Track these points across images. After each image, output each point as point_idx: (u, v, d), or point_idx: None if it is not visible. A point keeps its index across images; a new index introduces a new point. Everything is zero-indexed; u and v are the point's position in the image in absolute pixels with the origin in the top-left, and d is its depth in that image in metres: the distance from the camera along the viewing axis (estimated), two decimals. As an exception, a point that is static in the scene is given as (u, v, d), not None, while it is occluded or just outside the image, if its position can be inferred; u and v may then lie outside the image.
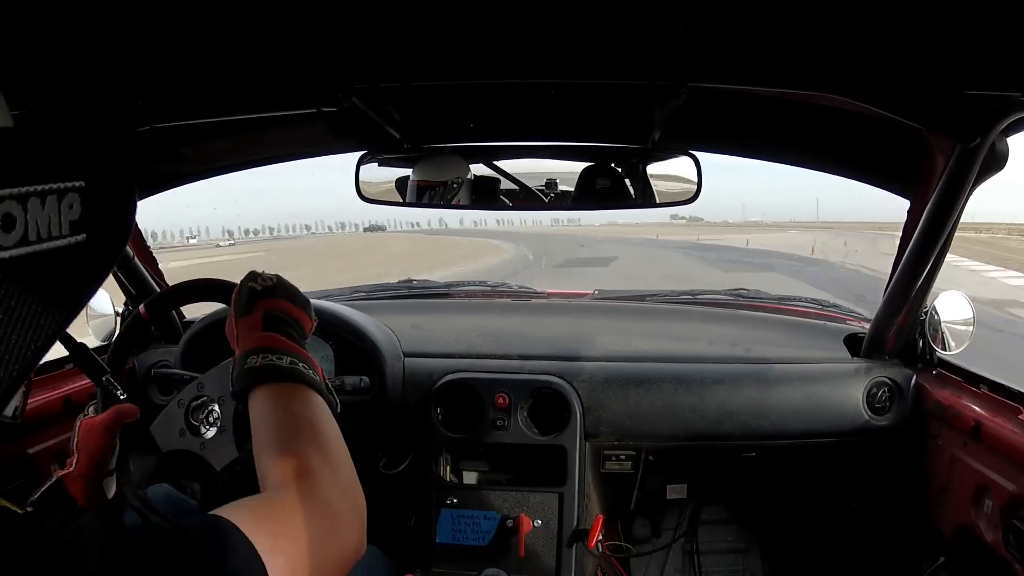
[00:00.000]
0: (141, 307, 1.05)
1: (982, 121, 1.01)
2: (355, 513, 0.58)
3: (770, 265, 16.23)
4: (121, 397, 0.97)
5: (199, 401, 0.97)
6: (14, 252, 0.38)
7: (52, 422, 1.27)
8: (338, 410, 0.71)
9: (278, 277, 0.79)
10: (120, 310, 1.52)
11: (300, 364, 0.68)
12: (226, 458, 0.94)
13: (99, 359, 0.95)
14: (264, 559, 0.46)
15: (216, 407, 0.96)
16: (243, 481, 0.93)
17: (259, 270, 0.80)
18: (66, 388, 1.31)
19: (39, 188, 0.39)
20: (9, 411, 0.91)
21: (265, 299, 0.74)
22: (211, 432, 0.96)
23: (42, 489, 0.87)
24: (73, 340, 0.92)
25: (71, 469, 0.89)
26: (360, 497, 0.60)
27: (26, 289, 0.40)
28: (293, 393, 0.66)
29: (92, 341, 1.50)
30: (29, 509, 0.83)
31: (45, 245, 0.40)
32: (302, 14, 0.78)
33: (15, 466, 1.19)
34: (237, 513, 0.49)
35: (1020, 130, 1.06)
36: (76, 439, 0.91)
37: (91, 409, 0.97)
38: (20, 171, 0.39)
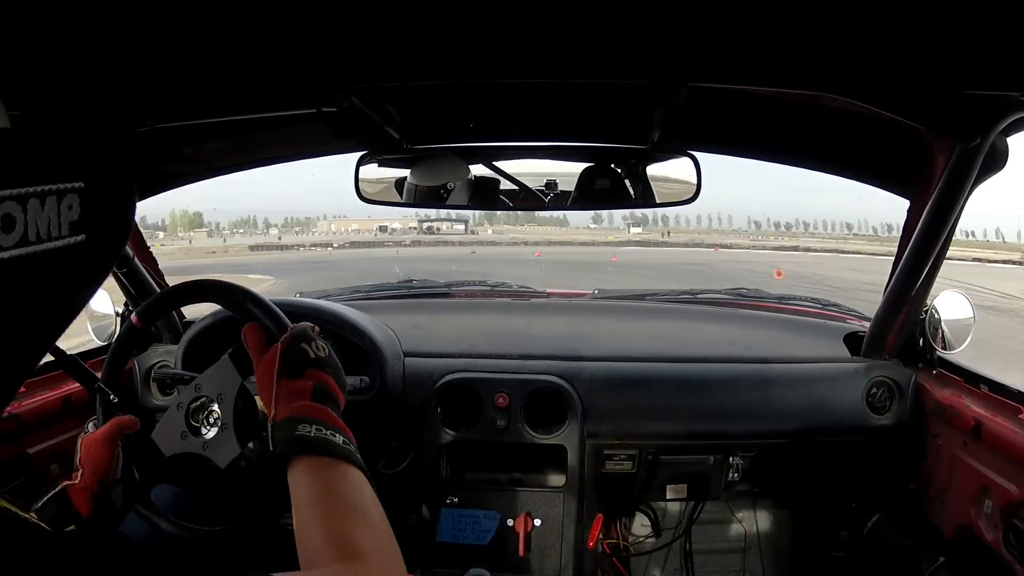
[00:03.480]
0: (133, 316, 1.04)
1: (982, 121, 1.01)
2: None
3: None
4: (114, 400, 0.97)
5: (198, 402, 0.97)
6: (13, 252, 0.38)
7: (52, 422, 1.27)
8: (373, 486, 0.72)
9: (329, 348, 0.79)
10: (120, 310, 1.52)
11: (351, 445, 0.69)
12: (229, 455, 0.94)
13: (87, 367, 0.95)
14: None
15: (215, 406, 0.96)
16: (247, 478, 0.94)
17: (312, 328, 0.80)
18: (66, 388, 1.31)
19: (39, 189, 0.39)
20: None
21: (315, 369, 0.74)
22: (212, 432, 0.96)
23: (46, 497, 0.88)
24: (62, 351, 0.92)
25: (76, 482, 0.89)
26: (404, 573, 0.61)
27: (25, 290, 0.40)
28: (344, 472, 0.67)
29: (93, 342, 1.50)
30: (32, 515, 0.83)
31: (44, 246, 0.40)
32: (302, 14, 0.79)
33: (15, 466, 1.19)
34: None
35: (1020, 130, 1.06)
36: (79, 454, 0.92)
37: (91, 425, 0.98)
38: (20, 172, 0.39)
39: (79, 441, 0.94)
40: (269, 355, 0.76)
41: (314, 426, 0.68)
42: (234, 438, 0.94)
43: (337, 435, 0.68)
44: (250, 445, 0.97)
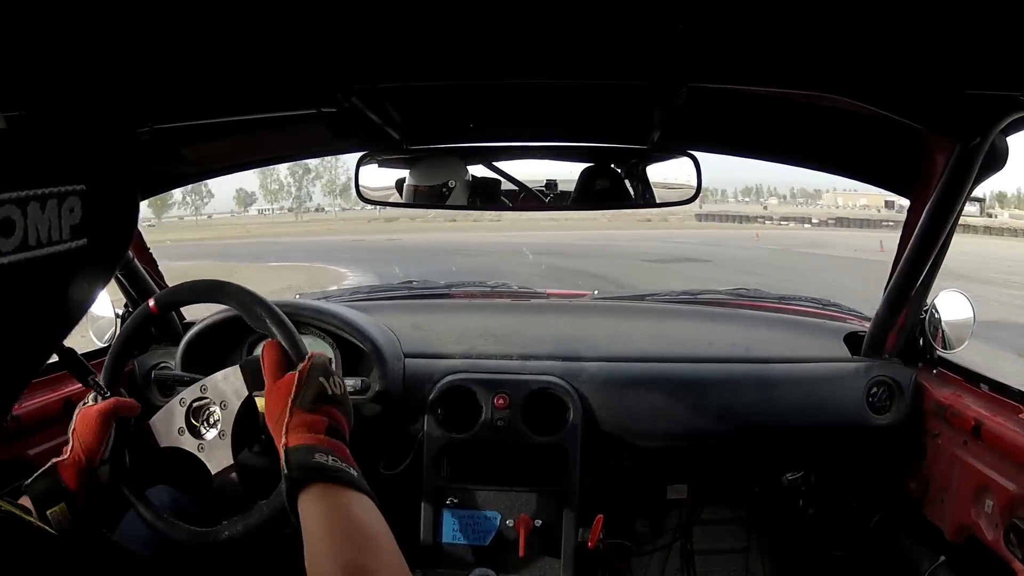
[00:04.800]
0: (151, 301, 1.03)
1: (982, 120, 1.01)
2: None
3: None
4: (106, 396, 0.97)
5: (201, 403, 0.97)
6: (13, 258, 0.37)
7: (52, 423, 1.27)
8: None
9: (344, 387, 0.80)
10: (120, 312, 1.52)
11: (364, 481, 0.70)
12: (222, 462, 0.94)
13: (85, 361, 0.95)
14: None
15: (217, 411, 0.97)
16: (237, 488, 0.94)
17: (331, 362, 0.81)
18: (66, 390, 1.31)
19: (39, 192, 0.38)
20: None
21: (331, 407, 0.75)
22: (210, 435, 0.96)
23: (36, 473, 0.87)
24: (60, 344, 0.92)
25: (65, 456, 0.89)
26: None
27: (27, 295, 0.39)
28: (358, 501, 0.67)
29: (93, 343, 1.50)
30: (24, 495, 0.83)
31: (45, 250, 0.39)
32: (302, 14, 0.78)
33: (16, 468, 1.19)
34: None
35: (1020, 129, 1.06)
36: (73, 425, 0.92)
37: (91, 398, 0.97)
38: (19, 174, 0.38)
39: (76, 412, 0.94)
40: (285, 381, 0.77)
41: (330, 456, 0.69)
42: (230, 447, 0.94)
43: (352, 470, 0.70)
44: (245, 451, 0.98)
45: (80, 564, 0.38)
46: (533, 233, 23.80)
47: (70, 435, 0.90)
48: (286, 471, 0.69)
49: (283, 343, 0.89)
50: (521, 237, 21.82)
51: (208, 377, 0.99)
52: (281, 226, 38.84)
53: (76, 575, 0.37)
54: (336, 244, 22.19)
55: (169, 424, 0.97)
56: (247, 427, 0.98)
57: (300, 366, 0.78)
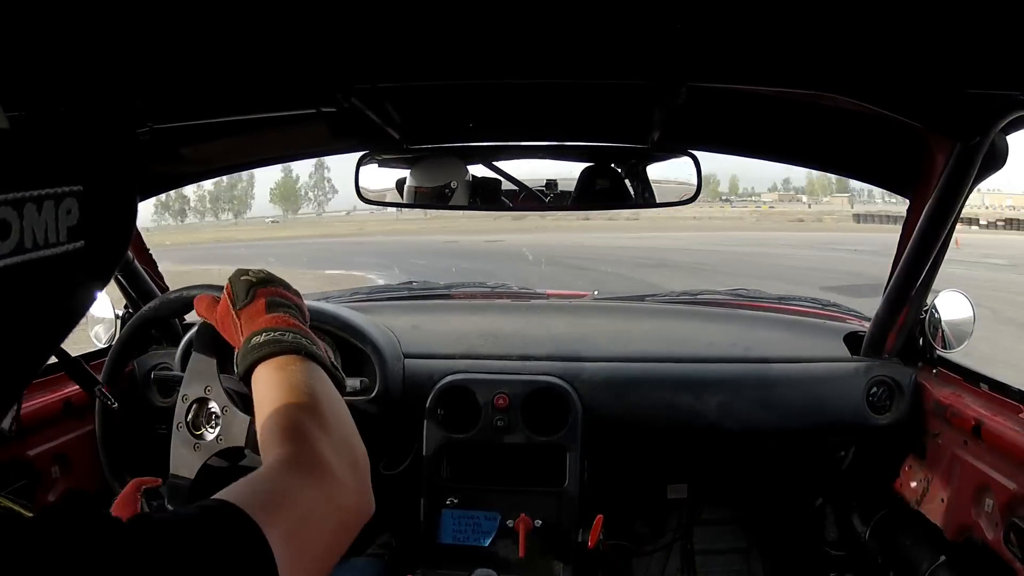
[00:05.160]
0: (98, 388, 1.05)
1: (982, 120, 1.01)
2: (353, 470, 0.57)
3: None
4: (113, 406, 0.98)
5: (192, 412, 0.97)
6: (10, 260, 0.37)
7: (52, 424, 1.27)
8: (344, 385, 0.71)
9: (267, 271, 0.80)
10: (120, 313, 1.52)
11: (304, 339, 0.69)
12: (243, 428, 0.93)
13: (89, 369, 0.95)
14: (264, 532, 0.44)
15: (211, 403, 0.96)
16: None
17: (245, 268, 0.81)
18: (66, 391, 1.31)
19: (35, 193, 0.38)
20: (6, 424, 0.92)
21: (263, 288, 0.75)
22: (218, 426, 0.96)
23: None
24: (65, 353, 0.92)
25: None
26: (359, 453, 0.59)
27: (23, 298, 0.39)
28: (290, 364, 0.66)
29: (93, 345, 1.50)
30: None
31: (42, 252, 0.39)
32: (302, 14, 0.78)
33: (16, 468, 1.19)
34: (233, 492, 0.48)
35: (1020, 128, 1.06)
36: None
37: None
38: (15, 175, 0.37)
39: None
40: (221, 304, 0.77)
41: (265, 334, 0.68)
42: (239, 411, 0.94)
43: (288, 334, 0.68)
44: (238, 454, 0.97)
45: (79, 560, 0.38)
46: (677, 234, 20.88)
47: None
48: (238, 375, 0.69)
49: (203, 291, 0.90)
50: (659, 239, 19.18)
51: (181, 384, 0.99)
52: (406, 223, 36.92)
53: (74, 571, 0.37)
54: (422, 246, 20.20)
55: (185, 455, 0.97)
56: (239, 387, 0.98)
57: (224, 288, 0.78)
